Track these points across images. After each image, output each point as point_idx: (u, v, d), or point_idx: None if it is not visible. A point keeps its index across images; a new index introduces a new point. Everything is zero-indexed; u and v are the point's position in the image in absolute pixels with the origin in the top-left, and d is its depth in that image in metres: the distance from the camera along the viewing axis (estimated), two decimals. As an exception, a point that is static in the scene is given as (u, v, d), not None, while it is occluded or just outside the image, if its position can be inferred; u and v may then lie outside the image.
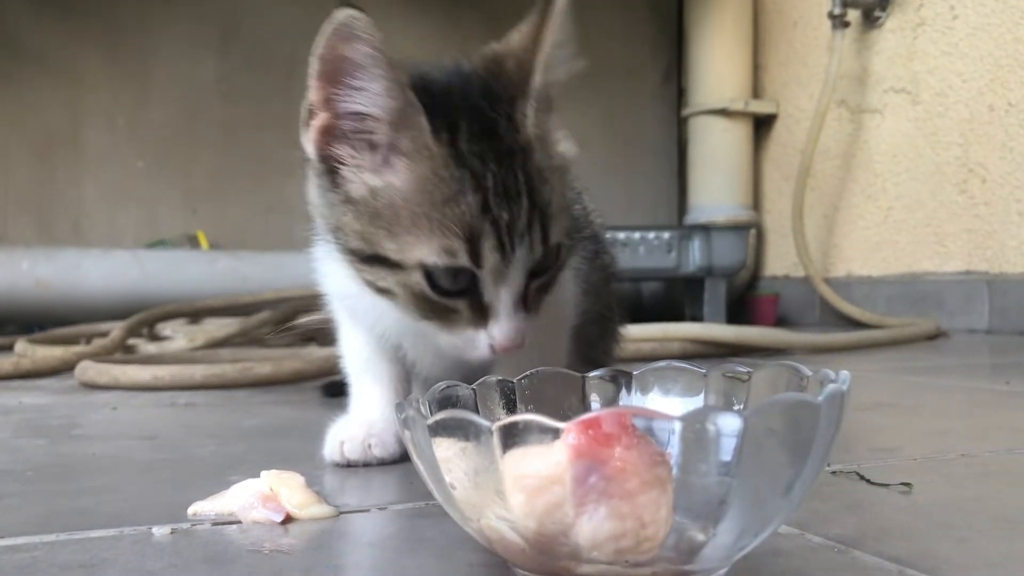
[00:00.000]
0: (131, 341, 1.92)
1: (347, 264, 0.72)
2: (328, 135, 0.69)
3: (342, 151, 0.69)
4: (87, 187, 2.66)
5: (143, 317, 1.96)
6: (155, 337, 2.02)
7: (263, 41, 2.80)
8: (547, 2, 0.67)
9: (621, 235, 2.60)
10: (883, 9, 2.59)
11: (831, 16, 2.61)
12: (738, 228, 2.80)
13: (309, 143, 0.70)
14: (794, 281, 2.92)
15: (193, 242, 2.61)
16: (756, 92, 3.06)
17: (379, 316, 0.78)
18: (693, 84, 3.07)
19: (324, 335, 1.68)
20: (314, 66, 0.67)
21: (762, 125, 3.07)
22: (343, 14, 0.64)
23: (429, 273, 0.66)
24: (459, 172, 0.65)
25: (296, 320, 1.95)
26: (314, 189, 0.73)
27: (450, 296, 0.67)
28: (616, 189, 3.16)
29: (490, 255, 0.65)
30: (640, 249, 2.65)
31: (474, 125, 0.67)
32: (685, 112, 3.12)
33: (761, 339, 1.93)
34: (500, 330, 0.68)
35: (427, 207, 0.66)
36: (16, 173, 2.59)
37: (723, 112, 2.97)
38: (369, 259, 0.69)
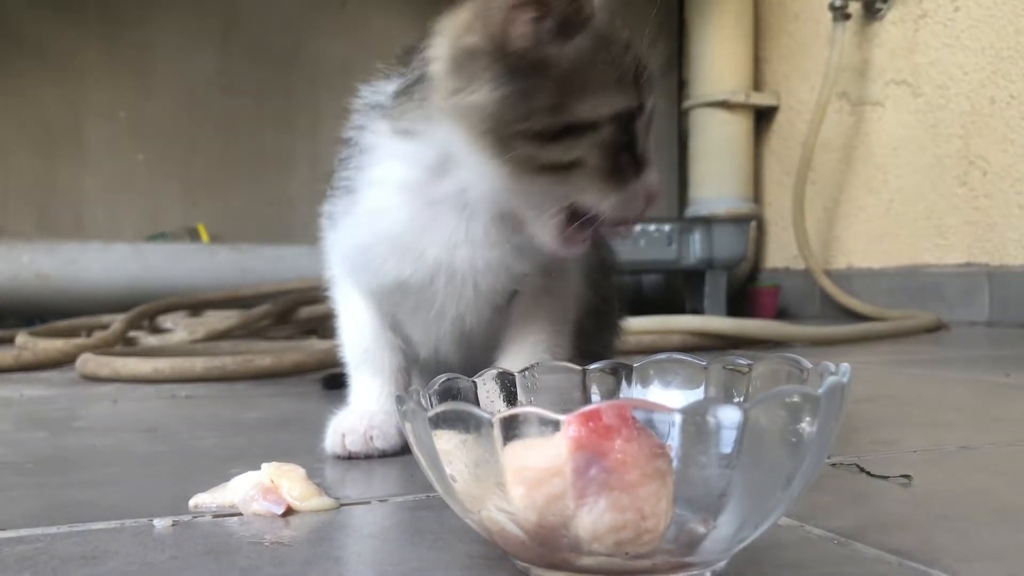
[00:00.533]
0: (132, 334, 1.93)
1: (510, 167, 0.72)
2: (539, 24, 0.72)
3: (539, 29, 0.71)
4: (88, 180, 2.65)
5: (144, 310, 1.96)
6: (156, 330, 2.02)
7: (263, 34, 2.80)
8: None
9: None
10: (884, 1, 2.58)
11: (832, 8, 2.60)
12: (739, 221, 2.80)
13: (515, 31, 0.71)
14: (795, 273, 2.92)
15: (194, 235, 2.61)
16: (757, 84, 3.05)
17: (383, 262, 0.78)
18: (694, 76, 3.07)
19: (325, 328, 1.68)
20: None
21: (763, 117, 3.06)
22: None
23: (621, 120, 0.72)
24: (620, 35, 0.74)
25: (296, 312, 1.96)
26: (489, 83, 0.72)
27: (622, 151, 0.73)
28: (617, 182, 3.15)
29: (647, 96, 0.74)
30: (641, 241, 2.64)
31: None
32: (686, 104, 3.12)
33: (761, 331, 1.93)
34: (654, 176, 0.74)
35: (609, 66, 0.72)
36: (17, 167, 2.59)
37: (724, 104, 2.96)
38: (559, 134, 0.71)
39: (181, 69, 2.72)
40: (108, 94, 2.66)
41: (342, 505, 0.65)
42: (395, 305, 0.82)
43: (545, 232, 0.73)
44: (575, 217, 0.73)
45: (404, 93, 0.76)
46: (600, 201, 0.72)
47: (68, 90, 2.62)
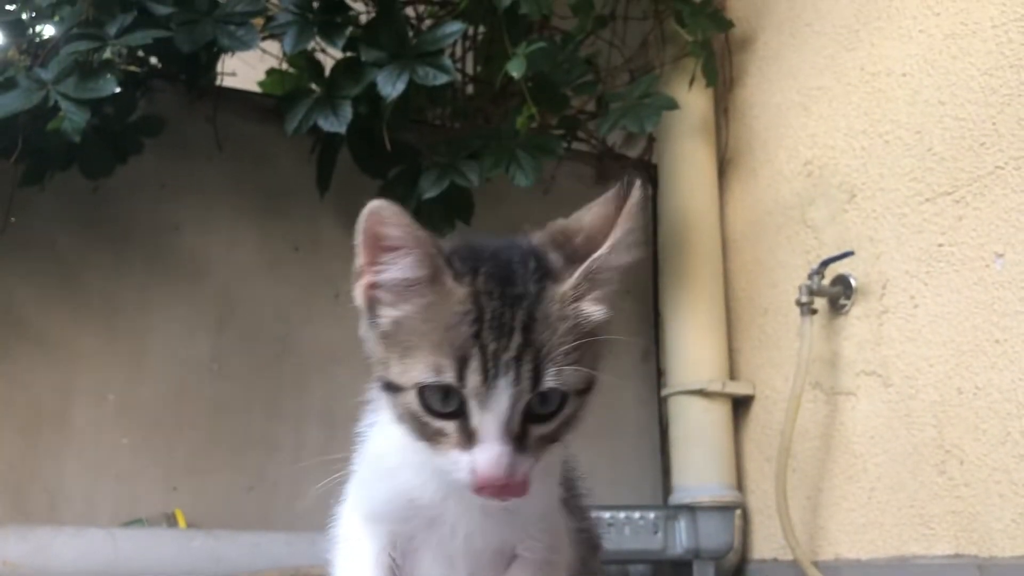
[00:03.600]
0: (95, 628, 1.83)
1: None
2: (371, 288, 0.82)
3: (381, 297, 0.81)
4: (68, 463, 2.64)
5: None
6: (121, 623, 1.93)
7: (257, 323, 2.92)
8: (626, 189, 0.78)
9: (607, 515, 2.58)
10: (848, 298, 2.75)
11: (799, 304, 2.75)
12: (724, 508, 2.78)
13: (358, 295, 0.83)
14: (783, 565, 2.85)
15: (171, 520, 2.56)
16: (732, 373, 3.15)
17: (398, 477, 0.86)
18: (671, 365, 3.17)
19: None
20: (358, 238, 0.82)
21: (740, 405, 3.13)
22: (374, 203, 0.80)
23: (422, 392, 0.74)
24: (462, 306, 0.76)
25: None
26: (363, 331, 0.85)
27: (441, 417, 0.74)
28: (600, 467, 3.16)
29: (473, 376, 0.73)
30: (625, 529, 2.61)
31: (494, 271, 0.78)
32: (664, 392, 3.20)
33: (753, 627, 1.87)
34: (482, 454, 0.73)
35: (429, 333, 0.76)
36: (-1, 450, 2.58)
37: (701, 392, 3.04)
38: (385, 387, 0.79)
39: (175, 355, 2.81)
40: (99, 378, 2.72)
41: None
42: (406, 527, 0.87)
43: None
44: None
45: None
46: (431, 459, 0.78)
47: (61, 374, 2.67)
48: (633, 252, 0.82)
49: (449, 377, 0.73)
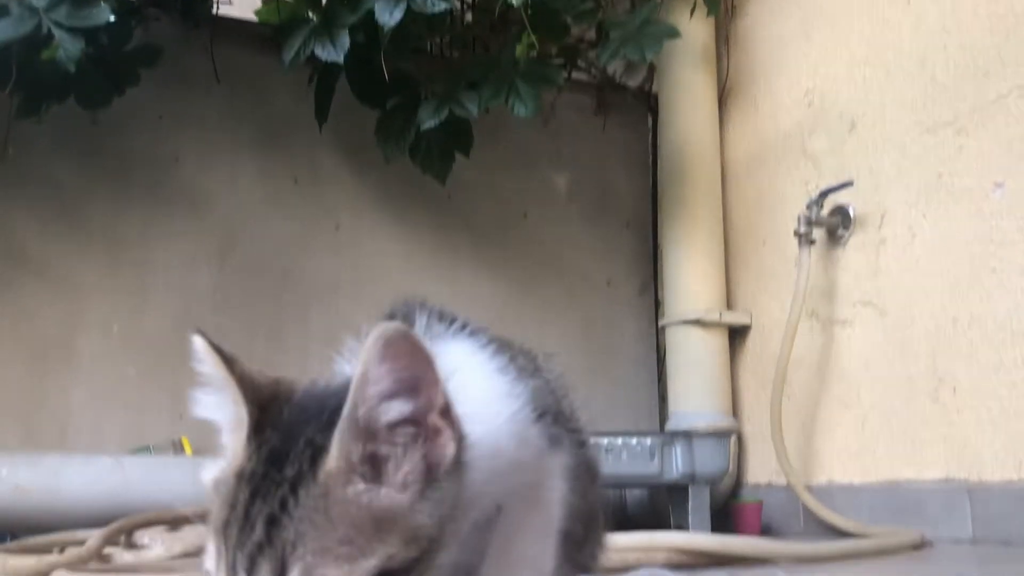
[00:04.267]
0: (107, 550, 1.89)
1: None
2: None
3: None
4: (76, 393, 2.68)
5: (120, 525, 1.93)
6: (132, 545, 1.98)
7: (259, 254, 2.93)
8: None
9: (604, 441, 2.62)
10: (846, 229, 2.76)
11: (797, 234, 2.76)
12: (719, 435, 2.84)
13: None
14: (777, 488, 2.92)
15: (177, 447, 2.61)
16: (730, 304, 3.18)
17: None
18: (669, 296, 3.20)
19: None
20: None
21: (737, 335, 3.17)
22: (192, 338, 0.74)
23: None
24: (228, 484, 0.67)
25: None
26: None
27: None
28: (598, 396, 3.21)
29: (219, 570, 0.65)
30: (623, 455, 2.66)
31: (272, 444, 0.67)
32: (662, 322, 3.23)
33: (746, 549, 1.93)
34: None
35: (214, 508, 0.68)
36: (7, 380, 2.62)
37: (698, 322, 3.07)
38: None
39: (177, 286, 2.83)
40: (103, 309, 2.74)
41: None
42: None
43: None
44: None
45: None
46: None
47: (65, 306, 2.70)
48: (398, 389, 0.64)
49: (210, 564, 0.66)
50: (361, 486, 0.62)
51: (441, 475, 0.65)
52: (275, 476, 0.65)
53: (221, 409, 0.72)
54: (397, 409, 0.63)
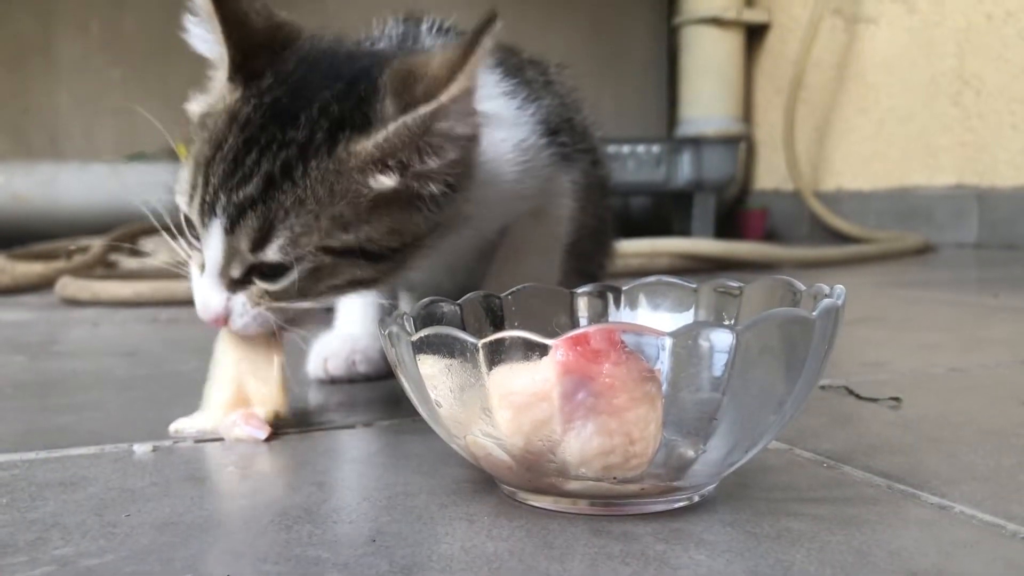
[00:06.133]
0: (112, 256, 1.90)
1: None
2: None
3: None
4: (62, 98, 2.58)
5: (124, 232, 1.93)
6: (136, 252, 1.99)
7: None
8: (478, 33, 0.59)
9: (610, 148, 2.56)
10: (882, -87, 2.51)
11: (828, -80, 2.52)
12: (728, 141, 2.77)
13: None
14: (784, 195, 2.90)
15: (173, 154, 2.56)
16: (749, 1, 2.98)
17: None
18: (685, -8, 2.99)
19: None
20: None
21: (755, 35, 3.00)
22: None
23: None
24: (220, 119, 0.63)
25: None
26: None
27: (191, 229, 0.65)
28: (605, 101, 3.10)
29: (195, 203, 0.62)
30: (629, 163, 2.61)
31: (281, 93, 0.63)
32: (676, 21, 3.05)
33: (750, 254, 1.93)
34: (197, 291, 0.64)
35: (201, 139, 0.64)
36: (-13, 84, 2.52)
37: (715, 21, 2.90)
38: None
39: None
40: (79, 5, 2.57)
41: (326, 429, 0.64)
42: None
43: None
44: None
45: None
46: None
47: (39, 4, 2.53)
48: (470, 123, 0.62)
49: (184, 196, 0.63)
50: (381, 178, 0.61)
51: (454, 191, 0.64)
52: (278, 135, 0.61)
53: (206, 43, 0.66)
54: (448, 142, 0.62)
